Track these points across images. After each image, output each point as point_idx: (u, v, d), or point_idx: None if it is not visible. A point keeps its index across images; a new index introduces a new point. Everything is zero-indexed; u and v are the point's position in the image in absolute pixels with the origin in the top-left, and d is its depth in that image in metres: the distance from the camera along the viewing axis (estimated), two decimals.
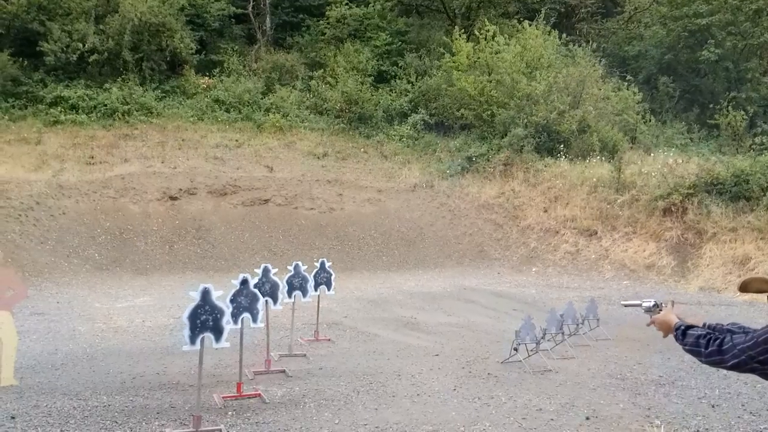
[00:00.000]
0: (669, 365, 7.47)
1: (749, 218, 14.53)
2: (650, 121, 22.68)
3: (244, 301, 6.11)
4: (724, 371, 7.06)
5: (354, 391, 6.45)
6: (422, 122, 22.17)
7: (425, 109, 22.38)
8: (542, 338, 7.59)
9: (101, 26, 21.26)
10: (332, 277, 8.55)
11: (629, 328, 9.73)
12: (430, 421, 5.53)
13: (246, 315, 6.13)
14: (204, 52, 23.68)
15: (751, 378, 6.78)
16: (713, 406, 5.93)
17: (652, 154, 18.65)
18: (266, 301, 6.76)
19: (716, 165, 16.24)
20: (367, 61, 24.00)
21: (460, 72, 21.84)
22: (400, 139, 21.75)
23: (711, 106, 22.82)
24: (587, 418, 5.62)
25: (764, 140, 17.96)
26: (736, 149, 19.78)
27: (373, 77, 23.70)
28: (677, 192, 15.85)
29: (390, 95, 23.28)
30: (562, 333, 8.15)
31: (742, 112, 21.37)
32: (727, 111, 21.61)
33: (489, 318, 10.75)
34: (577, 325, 8.65)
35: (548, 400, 6.13)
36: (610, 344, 8.64)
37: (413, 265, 16.68)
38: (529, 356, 7.46)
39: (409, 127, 22.04)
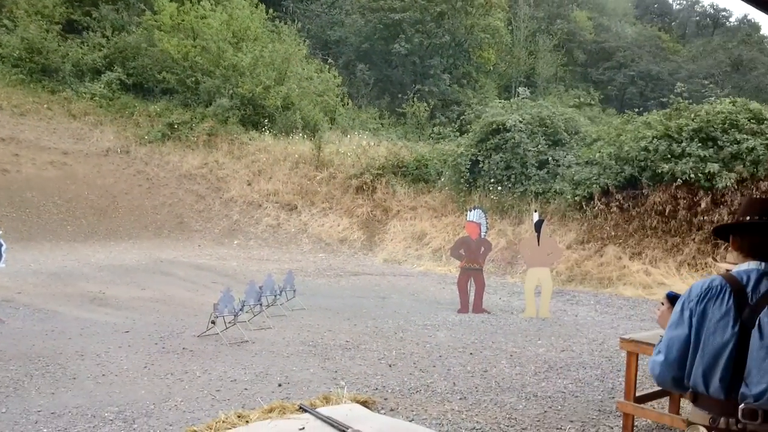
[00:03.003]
0: (355, 330, 8.09)
1: (426, 199, 16.45)
2: (348, 104, 24.18)
3: None
4: (401, 334, 7.93)
5: (26, 376, 5.72)
6: (118, 81, 20.49)
7: (122, 68, 20.70)
8: (241, 310, 7.61)
9: None
10: (2, 248, 7.44)
11: (323, 297, 10.33)
12: (116, 402, 5.17)
13: None
14: None
15: (422, 339, 7.69)
16: (390, 366, 6.58)
17: (348, 136, 19.93)
18: None
19: (402, 150, 18.03)
20: (54, 6, 21.24)
21: (162, 32, 20.64)
22: (92, 98, 19.82)
23: (400, 96, 25.19)
24: (279, 385, 5.79)
25: (441, 130, 20.42)
26: (419, 137, 22.17)
27: (61, 25, 21.10)
28: (369, 172, 17.22)
29: (81, 48, 21.01)
30: (261, 304, 8.29)
31: (425, 104, 24.01)
32: (413, 102, 24.10)
33: (187, 291, 10.45)
34: (275, 296, 8.87)
35: (243, 371, 6.18)
36: (305, 313, 9.05)
37: (104, 235, 15.41)
38: (226, 328, 7.43)
39: (103, 86, 20.19)
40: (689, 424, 2.22)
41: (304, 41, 23.85)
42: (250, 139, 19.41)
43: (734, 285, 2.15)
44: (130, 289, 10.25)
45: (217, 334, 7.32)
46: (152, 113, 19.94)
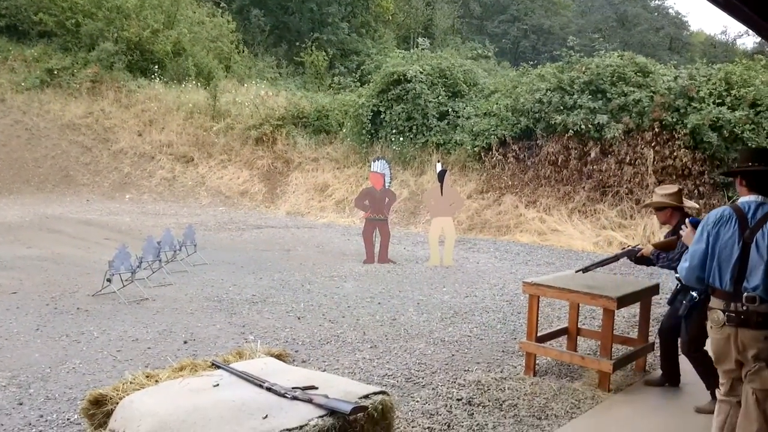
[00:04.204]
0: (261, 284, 7.96)
1: (328, 150, 16.26)
2: (243, 51, 23.26)
3: None
4: (308, 286, 7.90)
5: None
6: None
7: None
8: (138, 267, 7.29)
9: None
10: None
11: (225, 252, 10.07)
12: (9, 367, 4.84)
13: None
14: None
15: (330, 291, 7.68)
16: (299, 318, 6.54)
17: (245, 85, 19.24)
18: None
19: (302, 100, 17.63)
20: None
21: None
22: None
23: (297, 44, 24.46)
24: (185, 342, 5.63)
25: (341, 80, 20.07)
26: (318, 87, 21.74)
27: None
28: (268, 123, 16.76)
29: None
30: (160, 260, 7.97)
31: (324, 53, 23.49)
32: (311, 50, 23.50)
33: (78, 249, 9.87)
34: (175, 251, 8.56)
35: (145, 329, 5.95)
36: (207, 268, 8.79)
37: None
38: (124, 286, 7.10)
39: None
40: (710, 309, 3.22)
41: None
42: (138, 87, 18.33)
43: (738, 213, 3.16)
44: (14, 248, 9.56)
45: (114, 292, 6.99)
46: (29, 58, 18.37)
